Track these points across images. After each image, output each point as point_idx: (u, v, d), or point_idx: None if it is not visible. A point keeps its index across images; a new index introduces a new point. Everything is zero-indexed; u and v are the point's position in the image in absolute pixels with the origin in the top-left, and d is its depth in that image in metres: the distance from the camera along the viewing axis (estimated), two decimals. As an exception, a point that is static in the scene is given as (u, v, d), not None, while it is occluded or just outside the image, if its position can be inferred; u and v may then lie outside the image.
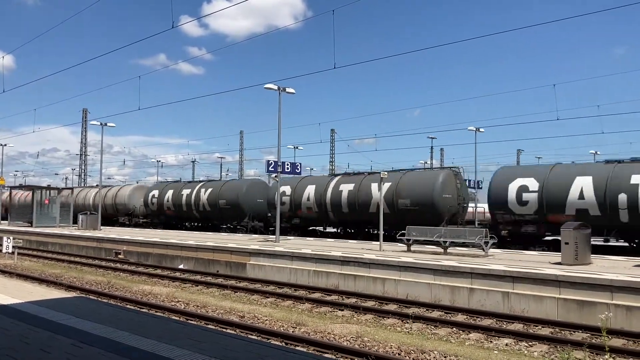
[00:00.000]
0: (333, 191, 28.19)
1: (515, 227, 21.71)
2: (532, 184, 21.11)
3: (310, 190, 29.46)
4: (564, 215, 19.52)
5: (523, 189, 21.29)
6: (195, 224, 38.58)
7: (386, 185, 23.87)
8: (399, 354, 8.97)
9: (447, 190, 24.78)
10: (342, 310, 13.02)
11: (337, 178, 29.33)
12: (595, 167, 20.44)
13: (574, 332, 10.67)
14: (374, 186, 25.80)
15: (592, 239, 15.69)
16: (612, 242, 20.57)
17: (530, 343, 9.95)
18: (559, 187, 20.24)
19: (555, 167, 21.40)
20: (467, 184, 30.60)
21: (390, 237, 22.76)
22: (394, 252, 18.21)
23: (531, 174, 21.71)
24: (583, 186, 19.56)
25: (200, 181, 40.71)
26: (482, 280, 13.38)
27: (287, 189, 30.56)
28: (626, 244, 20.33)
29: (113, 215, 44.14)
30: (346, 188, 27.67)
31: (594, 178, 19.45)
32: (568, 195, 19.92)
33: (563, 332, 10.78)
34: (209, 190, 35.61)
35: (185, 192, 37.37)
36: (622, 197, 18.65)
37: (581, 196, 19.59)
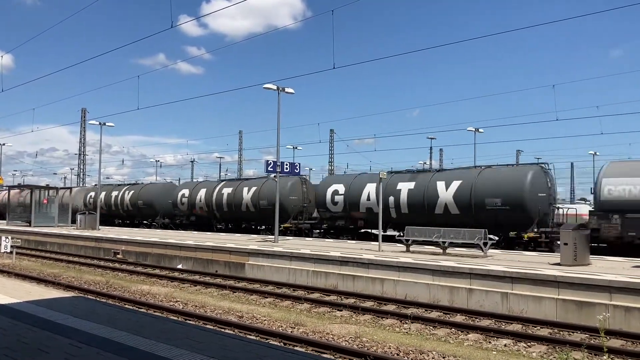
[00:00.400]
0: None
1: (331, 221, 28.60)
2: (341, 189, 27.83)
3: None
4: (359, 212, 26.74)
5: (335, 192, 28.08)
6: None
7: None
8: (397, 355, 8.96)
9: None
10: (341, 310, 13.02)
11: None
12: (376, 177, 24.44)
13: (573, 332, 10.67)
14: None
15: (372, 230, 24.48)
16: (390, 232, 26.04)
17: (529, 344, 9.95)
18: (356, 191, 26.96)
19: (356, 177, 28.65)
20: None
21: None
22: (392, 252, 18.21)
23: (341, 181, 28.90)
24: (370, 191, 26.33)
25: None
26: (481, 281, 13.38)
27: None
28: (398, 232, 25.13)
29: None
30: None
31: (376, 185, 24.56)
32: (361, 197, 26.62)
33: (562, 332, 10.78)
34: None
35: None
36: (391, 199, 25.14)
37: (369, 198, 26.29)
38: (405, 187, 25.25)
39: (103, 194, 42.08)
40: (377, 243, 20.04)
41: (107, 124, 34.84)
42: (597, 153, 47.26)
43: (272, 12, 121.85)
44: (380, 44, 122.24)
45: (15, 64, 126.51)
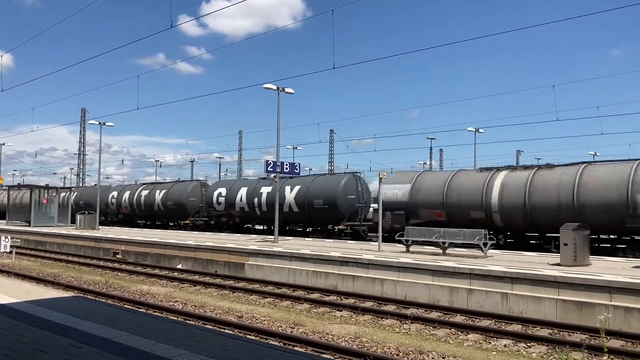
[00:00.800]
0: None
1: (216, 219, 35.06)
2: (224, 191, 33.95)
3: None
4: (235, 211, 33.07)
5: (219, 194, 34.21)
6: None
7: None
8: (397, 355, 8.96)
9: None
10: (341, 310, 13.01)
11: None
12: (248, 182, 34.39)
13: (573, 333, 10.66)
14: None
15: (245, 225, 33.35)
16: (257, 227, 33.60)
17: (528, 344, 9.94)
18: (233, 194, 33.16)
19: (235, 183, 35.36)
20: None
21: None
22: (392, 252, 18.20)
23: (224, 185, 35.41)
24: (242, 194, 32.38)
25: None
26: (481, 281, 13.37)
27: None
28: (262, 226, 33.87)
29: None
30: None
31: (247, 189, 32.37)
32: (236, 199, 32.61)
33: (562, 333, 10.77)
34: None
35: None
36: (256, 200, 31.26)
37: (241, 199, 32.42)
38: (265, 191, 30.88)
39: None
40: (375, 243, 20.03)
41: (106, 123, 34.87)
42: (597, 153, 47.21)
43: (272, 12, 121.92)
44: (380, 44, 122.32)
45: (15, 63, 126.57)
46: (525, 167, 22.71)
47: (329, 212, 27.69)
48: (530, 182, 20.85)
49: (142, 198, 39.83)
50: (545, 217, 20.10)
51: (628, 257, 17.34)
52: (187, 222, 36.32)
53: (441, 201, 23.29)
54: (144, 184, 44.75)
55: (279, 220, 25.18)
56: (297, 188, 29.42)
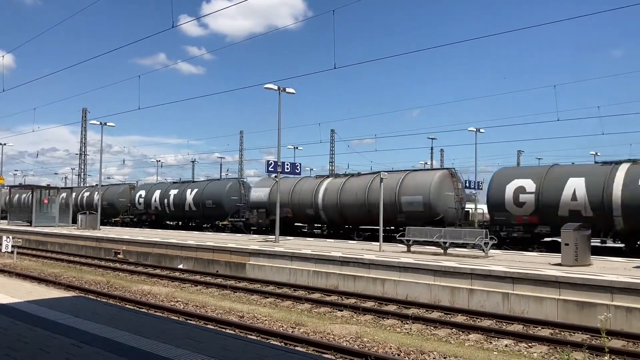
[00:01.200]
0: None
1: (139, 216, 40.89)
2: (143, 194, 40.72)
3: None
4: (151, 209, 39.51)
5: (140, 196, 40.89)
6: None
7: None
8: (398, 355, 8.96)
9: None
10: (342, 310, 13.01)
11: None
12: (163, 186, 41.17)
13: (574, 333, 10.65)
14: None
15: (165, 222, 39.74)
16: (169, 222, 39.12)
17: (530, 344, 9.94)
18: (150, 195, 39.76)
19: (153, 185, 41.90)
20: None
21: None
22: (393, 252, 18.20)
23: (144, 188, 41.73)
24: (156, 196, 39.06)
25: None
26: (482, 281, 13.37)
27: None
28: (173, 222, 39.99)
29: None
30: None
31: (160, 192, 39.40)
32: (151, 199, 39.55)
33: (563, 333, 10.76)
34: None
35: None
36: (166, 201, 37.79)
37: (155, 200, 39.31)
38: (172, 193, 37.49)
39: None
40: (376, 243, 20.03)
41: (107, 124, 34.86)
42: (598, 153, 47.09)
43: (272, 12, 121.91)
44: (381, 44, 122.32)
45: (16, 63, 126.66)
46: (338, 176, 30.26)
47: (216, 211, 34.45)
48: (341, 187, 27.54)
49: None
50: (351, 213, 27.04)
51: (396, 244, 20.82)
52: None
53: (288, 201, 29.40)
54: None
55: (182, 217, 36.96)
56: (195, 191, 36.22)
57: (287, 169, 24.25)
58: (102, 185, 41.28)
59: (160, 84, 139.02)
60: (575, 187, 19.99)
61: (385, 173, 21.08)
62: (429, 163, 64.89)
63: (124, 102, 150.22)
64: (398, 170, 26.91)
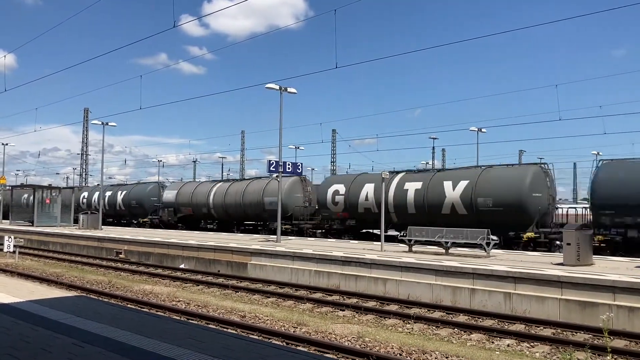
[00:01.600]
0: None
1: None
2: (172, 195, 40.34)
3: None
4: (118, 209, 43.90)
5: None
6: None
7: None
8: (400, 355, 8.95)
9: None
10: (344, 310, 13.00)
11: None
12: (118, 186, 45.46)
13: (576, 332, 10.64)
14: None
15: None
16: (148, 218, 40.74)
17: (532, 344, 9.92)
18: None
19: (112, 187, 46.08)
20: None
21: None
22: (395, 252, 18.18)
23: (110, 189, 44.54)
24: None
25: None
26: (484, 281, 13.35)
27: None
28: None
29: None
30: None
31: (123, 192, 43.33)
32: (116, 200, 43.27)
33: (565, 332, 10.75)
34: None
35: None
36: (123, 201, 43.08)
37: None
38: (107, 195, 42.35)
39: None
40: (378, 243, 20.02)
41: (109, 123, 34.87)
42: (600, 153, 47.01)
43: (273, 12, 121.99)
44: (382, 43, 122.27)
45: (17, 63, 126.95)
46: (228, 181, 37.11)
47: (139, 210, 41.02)
48: (226, 191, 34.47)
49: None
50: (234, 211, 34.06)
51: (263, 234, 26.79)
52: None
53: (189, 202, 36.80)
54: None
55: (115, 215, 43.46)
56: (124, 193, 42.81)
57: (289, 168, 24.23)
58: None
59: (162, 84, 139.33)
60: (368, 191, 26.44)
61: (387, 172, 21.02)
62: (429, 163, 64.92)
63: (125, 102, 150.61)
64: (262, 177, 34.75)
